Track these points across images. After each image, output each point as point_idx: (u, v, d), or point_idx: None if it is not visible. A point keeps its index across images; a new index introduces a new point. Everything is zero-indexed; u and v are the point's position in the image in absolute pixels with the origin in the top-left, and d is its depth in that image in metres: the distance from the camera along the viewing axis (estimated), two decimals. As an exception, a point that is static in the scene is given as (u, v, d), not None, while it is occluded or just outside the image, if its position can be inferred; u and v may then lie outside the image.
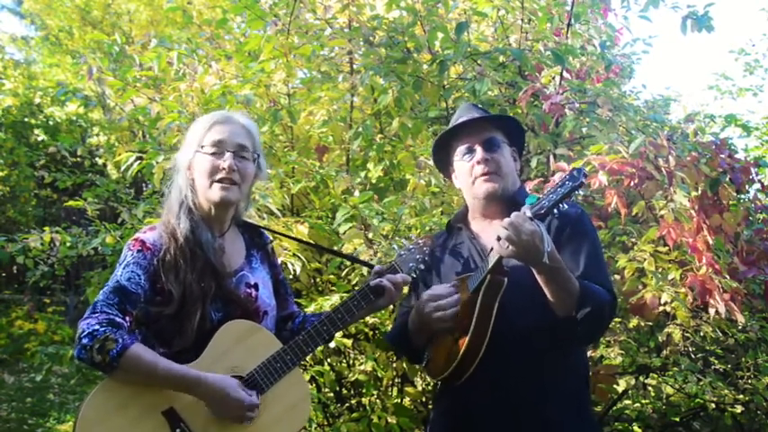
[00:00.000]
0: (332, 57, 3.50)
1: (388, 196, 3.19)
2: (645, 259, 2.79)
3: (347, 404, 3.25)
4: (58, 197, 8.88)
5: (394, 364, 3.12)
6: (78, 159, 7.22)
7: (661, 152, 2.79)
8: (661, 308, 2.74)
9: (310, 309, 2.78)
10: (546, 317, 1.79)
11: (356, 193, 3.09)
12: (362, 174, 3.34)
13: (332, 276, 3.09)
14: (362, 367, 3.05)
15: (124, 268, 1.81)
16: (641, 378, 3.69)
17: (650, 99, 4.26)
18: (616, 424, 3.78)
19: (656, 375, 3.79)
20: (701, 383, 3.68)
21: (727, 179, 2.92)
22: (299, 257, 2.78)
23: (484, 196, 1.97)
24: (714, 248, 2.79)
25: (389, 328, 3.11)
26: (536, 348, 1.83)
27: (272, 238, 2.20)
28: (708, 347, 3.47)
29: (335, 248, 2.94)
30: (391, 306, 2.72)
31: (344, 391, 3.34)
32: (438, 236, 2.19)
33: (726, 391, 3.62)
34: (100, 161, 7.38)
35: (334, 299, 2.74)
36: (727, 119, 5.09)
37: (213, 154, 1.87)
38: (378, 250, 2.79)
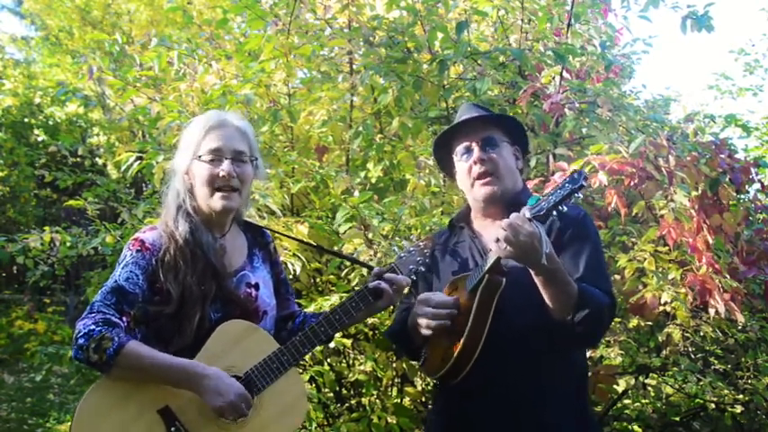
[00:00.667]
0: (332, 57, 3.51)
1: (388, 196, 3.19)
2: (645, 259, 2.79)
3: (347, 404, 3.25)
4: (58, 197, 8.88)
5: (394, 364, 3.12)
6: (78, 159, 7.21)
7: (661, 152, 2.79)
8: (661, 308, 2.74)
9: (310, 309, 2.78)
10: (544, 318, 1.79)
11: (356, 193, 3.09)
12: (362, 174, 3.34)
13: (332, 276, 3.09)
14: (362, 367, 3.05)
15: (123, 268, 1.81)
16: (641, 378, 3.68)
17: (650, 99, 4.26)
18: (616, 424, 3.78)
19: (655, 375, 3.79)
20: (701, 383, 3.68)
21: (727, 179, 2.92)
22: (299, 257, 2.78)
23: (483, 199, 1.97)
24: (714, 248, 2.79)
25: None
26: (534, 349, 1.83)
27: (272, 237, 2.20)
28: (708, 347, 3.47)
29: (335, 249, 2.94)
30: (392, 307, 2.72)
31: (344, 391, 3.34)
32: (440, 234, 2.18)
33: (726, 391, 3.62)
34: (100, 161, 7.39)
35: (334, 299, 2.74)
36: (727, 119, 5.09)
37: (211, 161, 1.87)
38: (378, 250, 2.79)
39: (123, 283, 1.78)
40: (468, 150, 1.98)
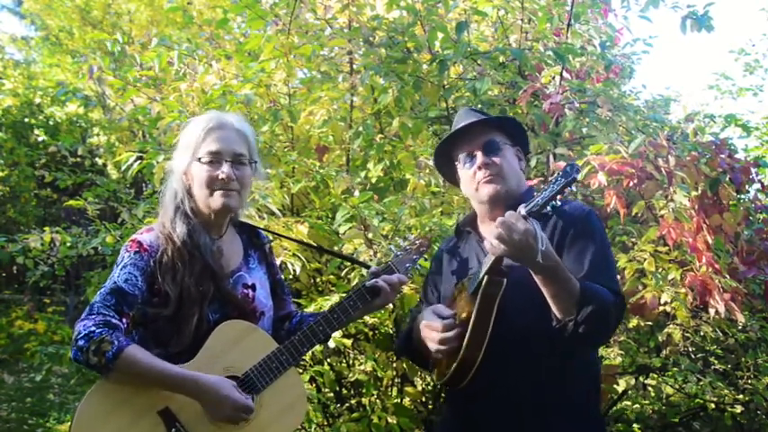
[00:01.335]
0: (332, 57, 3.50)
1: (388, 196, 3.19)
2: (645, 259, 2.79)
3: (347, 404, 3.25)
4: (58, 197, 8.88)
5: (394, 364, 3.12)
6: (78, 159, 7.22)
7: (661, 152, 2.79)
8: (661, 308, 2.73)
9: (310, 309, 2.78)
10: (547, 319, 1.76)
11: (356, 193, 3.09)
12: (362, 174, 3.34)
13: (332, 276, 3.09)
14: (362, 367, 3.05)
15: (121, 269, 1.81)
16: (641, 378, 3.68)
17: (650, 99, 4.25)
18: (616, 424, 3.78)
19: (655, 375, 3.79)
20: (701, 383, 3.68)
21: (727, 179, 2.92)
22: (298, 257, 2.78)
23: (487, 199, 1.94)
24: (714, 248, 2.79)
25: (389, 328, 3.11)
26: (537, 351, 1.80)
27: (270, 238, 2.20)
28: (708, 347, 3.47)
29: (335, 249, 2.94)
30: (390, 306, 2.72)
31: (344, 391, 3.34)
32: (447, 240, 2.18)
33: (726, 391, 3.62)
34: (100, 161, 7.39)
35: (334, 299, 2.73)
36: (727, 119, 5.09)
37: (210, 163, 1.87)
38: (377, 250, 2.79)
39: (122, 284, 1.78)
40: (471, 157, 1.96)
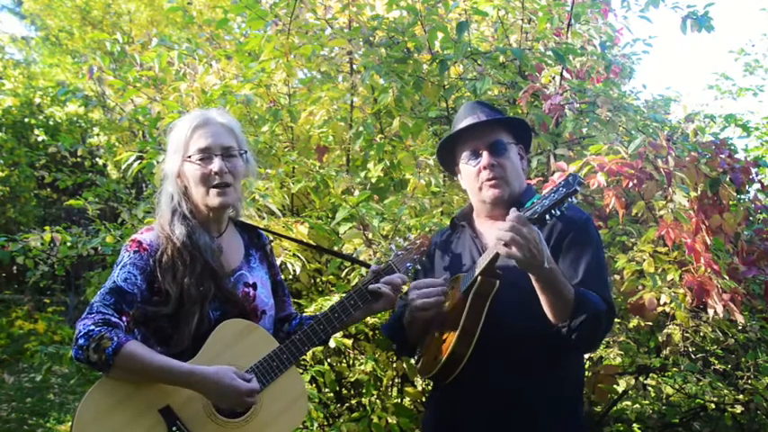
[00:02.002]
0: (332, 57, 3.51)
1: (388, 196, 3.19)
2: (644, 260, 2.79)
3: (347, 404, 3.26)
4: (58, 197, 8.88)
5: (394, 364, 3.12)
6: (78, 159, 7.22)
7: (661, 152, 2.79)
8: (660, 308, 2.74)
9: (310, 309, 2.78)
10: (538, 322, 1.77)
11: (356, 193, 3.09)
12: (362, 174, 3.34)
13: (332, 277, 3.09)
14: (362, 367, 3.05)
15: (121, 269, 1.82)
16: (641, 378, 3.69)
17: (650, 99, 4.25)
18: (616, 424, 3.78)
19: (655, 376, 3.79)
20: (701, 384, 3.68)
21: (727, 179, 2.92)
22: (298, 257, 2.78)
23: (490, 201, 1.96)
24: (713, 249, 2.79)
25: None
26: (525, 352, 1.82)
27: (271, 238, 2.20)
28: (708, 348, 3.47)
29: (335, 249, 2.94)
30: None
31: (344, 391, 3.35)
32: (441, 232, 2.19)
33: (726, 392, 3.62)
34: (100, 161, 7.39)
35: (334, 299, 2.73)
36: (727, 119, 5.10)
37: (202, 160, 1.88)
38: (377, 250, 2.79)
39: (122, 283, 1.79)
40: (476, 154, 1.97)
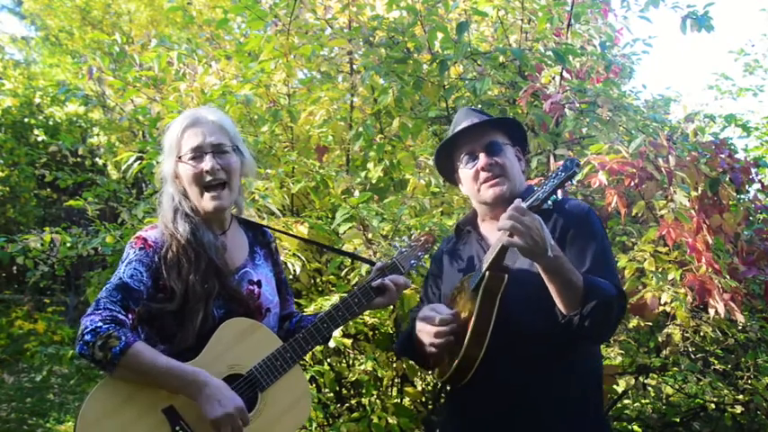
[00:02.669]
0: (332, 57, 3.51)
1: (388, 196, 3.19)
2: (645, 259, 2.79)
3: (347, 404, 3.26)
4: (58, 197, 8.88)
5: (394, 365, 3.13)
6: (78, 159, 7.23)
7: (661, 152, 2.79)
8: (661, 308, 2.74)
9: (310, 309, 2.78)
10: (545, 317, 1.76)
11: (356, 193, 3.09)
12: (362, 174, 3.34)
13: (332, 276, 3.09)
14: (362, 367, 3.05)
15: (127, 265, 1.82)
16: (641, 378, 3.69)
17: (650, 99, 4.25)
18: (616, 424, 3.78)
19: (655, 375, 3.79)
20: (701, 383, 3.69)
21: (727, 179, 2.92)
22: (299, 257, 2.78)
23: (491, 201, 1.94)
24: (714, 248, 2.79)
25: (389, 328, 3.11)
26: (535, 348, 1.80)
27: (275, 236, 2.20)
28: (708, 347, 3.47)
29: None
30: (391, 306, 2.72)
31: (344, 391, 3.35)
32: (447, 240, 2.17)
33: (726, 391, 3.62)
34: (100, 161, 7.39)
35: (334, 299, 2.74)
36: (727, 119, 5.10)
37: (193, 159, 1.88)
38: (377, 250, 2.79)
39: (128, 280, 1.78)
40: (473, 156, 1.96)
